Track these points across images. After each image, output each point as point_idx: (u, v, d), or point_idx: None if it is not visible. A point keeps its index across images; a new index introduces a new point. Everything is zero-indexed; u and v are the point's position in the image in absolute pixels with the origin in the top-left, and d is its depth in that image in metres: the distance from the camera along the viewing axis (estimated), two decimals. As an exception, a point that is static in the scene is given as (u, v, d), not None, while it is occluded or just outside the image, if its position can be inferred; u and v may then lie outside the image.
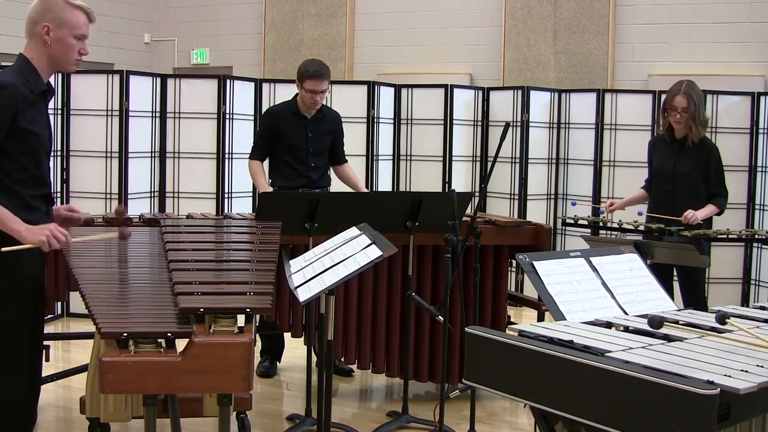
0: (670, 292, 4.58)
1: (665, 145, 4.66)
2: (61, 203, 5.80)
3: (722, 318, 2.29)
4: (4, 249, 2.71)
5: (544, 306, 2.86)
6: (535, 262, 2.71)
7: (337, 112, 4.89)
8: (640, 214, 4.66)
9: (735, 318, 2.36)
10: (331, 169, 4.92)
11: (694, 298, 4.51)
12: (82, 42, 2.92)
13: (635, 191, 4.93)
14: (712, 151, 4.58)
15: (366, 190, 4.78)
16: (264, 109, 6.25)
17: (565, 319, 2.53)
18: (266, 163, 4.83)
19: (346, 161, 4.93)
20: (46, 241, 2.73)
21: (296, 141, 4.66)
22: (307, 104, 4.63)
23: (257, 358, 4.88)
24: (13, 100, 2.74)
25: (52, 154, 3.06)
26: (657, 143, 4.78)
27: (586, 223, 4.74)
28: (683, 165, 4.56)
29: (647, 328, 2.44)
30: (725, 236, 4.33)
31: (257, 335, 4.43)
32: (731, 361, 2.05)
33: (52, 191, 3.13)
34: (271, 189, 4.60)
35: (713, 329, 2.43)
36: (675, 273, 4.63)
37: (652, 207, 4.68)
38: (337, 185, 4.97)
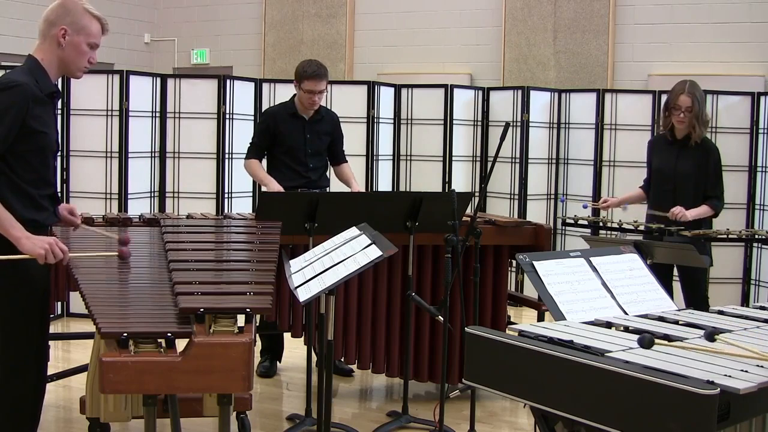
0: (669, 292, 4.56)
1: (666, 145, 4.64)
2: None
3: (711, 335, 2.22)
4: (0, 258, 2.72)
5: (544, 306, 2.86)
6: (535, 262, 2.71)
7: (335, 113, 4.89)
8: (624, 209, 4.67)
9: (724, 334, 2.30)
10: (330, 169, 4.91)
11: (696, 298, 4.49)
12: (93, 51, 2.97)
13: (633, 191, 4.93)
14: (712, 152, 4.56)
15: (358, 188, 4.77)
16: (264, 109, 6.27)
17: (565, 319, 2.53)
18: (264, 164, 4.82)
19: (346, 161, 4.93)
20: (43, 255, 2.73)
21: (294, 142, 4.65)
22: (305, 105, 4.63)
23: (257, 358, 4.89)
24: (26, 99, 2.77)
25: (57, 154, 3.09)
26: (657, 143, 4.77)
27: (586, 223, 4.74)
28: (685, 165, 4.54)
29: (647, 328, 2.45)
30: (725, 236, 4.32)
31: (257, 335, 4.42)
32: (731, 361, 2.05)
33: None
34: (273, 180, 4.56)
35: (713, 329, 2.43)
36: (676, 272, 4.62)
37: (651, 207, 4.67)
38: (336, 186, 4.97)
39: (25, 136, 2.79)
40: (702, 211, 4.47)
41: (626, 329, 2.48)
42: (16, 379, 2.86)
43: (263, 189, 4.76)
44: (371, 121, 6.47)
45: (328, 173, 4.90)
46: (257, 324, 4.14)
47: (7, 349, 2.86)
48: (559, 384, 2.03)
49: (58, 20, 2.88)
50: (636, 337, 2.31)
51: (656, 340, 2.11)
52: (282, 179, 4.63)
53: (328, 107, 5.22)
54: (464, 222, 3.88)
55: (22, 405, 2.89)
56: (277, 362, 4.88)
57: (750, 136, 6.12)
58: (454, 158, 6.71)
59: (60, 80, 5.64)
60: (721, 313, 2.70)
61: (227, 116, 6.17)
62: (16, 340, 2.86)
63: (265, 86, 6.40)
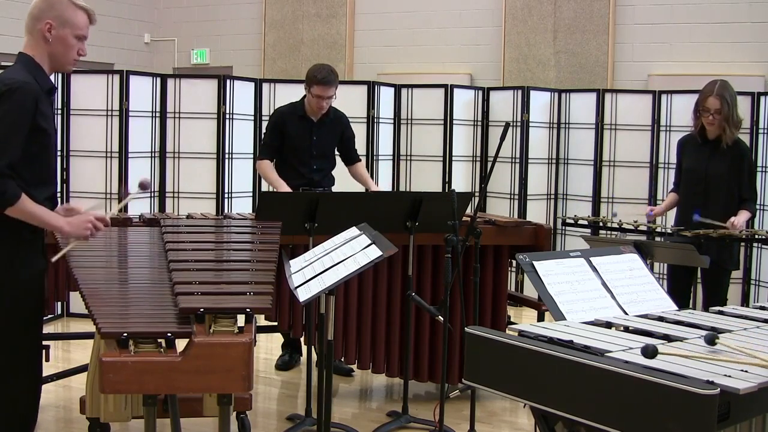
0: (688, 292, 4.52)
1: (697, 146, 4.53)
2: (61, 203, 5.79)
3: (712, 339, 2.18)
4: (53, 259, 2.80)
5: (544, 306, 2.86)
6: (535, 262, 2.71)
7: (344, 114, 4.87)
8: (696, 215, 4.34)
9: (725, 335, 2.28)
10: (334, 170, 4.90)
11: (716, 300, 4.34)
12: (82, 42, 2.92)
13: (669, 196, 4.78)
14: (745, 153, 4.50)
15: (377, 188, 4.78)
16: (264, 110, 6.27)
17: (565, 319, 2.53)
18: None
19: (359, 160, 4.95)
20: (89, 235, 2.80)
21: (300, 143, 4.65)
22: (313, 108, 4.64)
23: (279, 352, 4.96)
24: (33, 98, 2.74)
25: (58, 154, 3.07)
26: (687, 144, 4.64)
27: (586, 223, 4.73)
28: (717, 167, 4.44)
29: (647, 328, 2.45)
30: (725, 236, 4.31)
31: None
32: (731, 361, 2.05)
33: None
34: (284, 183, 4.58)
35: (713, 329, 2.43)
36: (699, 273, 4.50)
37: (681, 208, 4.60)
38: (340, 186, 4.94)
39: (32, 135, 2.75)
40: (745, 217, 4.38)
41: (626, 329, 2.48)
42: (8, 381, 2.84)
43: (272, 190, 4.75)
44: (371, 121, 6.47)
45: (333, 174, 4.89)
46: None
47: (0, 352, 2.84)
48: (559, 384, 2.03)
49: (43, 15, 2.84)
50: (636, 337, 2.32)
51: (658, 347, 2.09)
52: (285, 178, 4.63)
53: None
54: (464, 222, 3.88)
55: (15, 407, 2.87)
56: (299, 355, 4.91)
57: (750, 135, 6.11)
58: (454, 158, 6.71)
59: (60, 80, 5.68)
60: (721, 313, 2.70)
61: (227, 116, 6.17)
62: (9, 343, 2.83)
63: (265, 86, 6.40)
